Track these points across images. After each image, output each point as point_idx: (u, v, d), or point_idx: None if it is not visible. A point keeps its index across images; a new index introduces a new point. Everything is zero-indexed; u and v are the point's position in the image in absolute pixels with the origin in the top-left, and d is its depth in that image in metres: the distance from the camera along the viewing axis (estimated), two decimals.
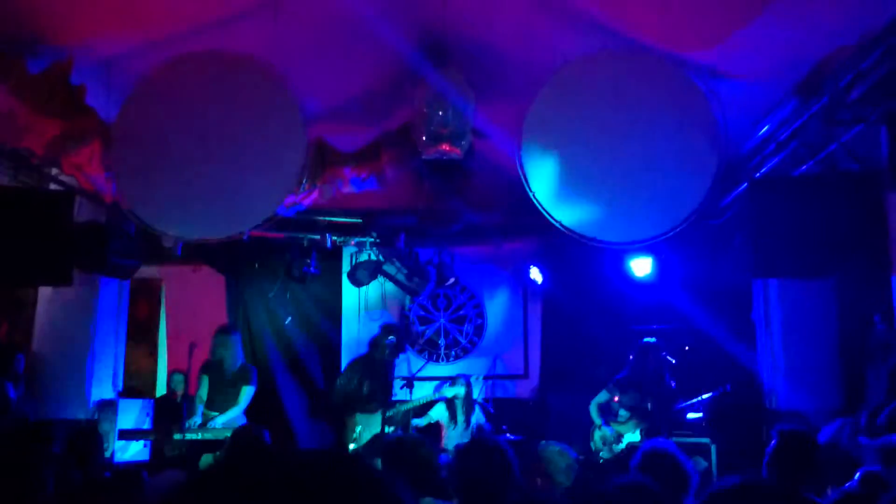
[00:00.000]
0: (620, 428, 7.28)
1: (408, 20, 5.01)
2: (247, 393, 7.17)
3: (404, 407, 7.85)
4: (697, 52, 4.74)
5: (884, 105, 4.26)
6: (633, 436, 7.21)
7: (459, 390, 7.88)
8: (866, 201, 4.79)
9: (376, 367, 7.80)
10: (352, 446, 7.45)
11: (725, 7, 4.34)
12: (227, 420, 6.89)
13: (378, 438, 7.27)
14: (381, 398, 7.64)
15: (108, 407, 7.17)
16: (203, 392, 7.14)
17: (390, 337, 7.90)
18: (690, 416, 7.49)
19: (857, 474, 3.86)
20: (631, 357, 7.51)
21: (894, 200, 4.54)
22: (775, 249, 5.02)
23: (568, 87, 4.75)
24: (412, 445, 4.01)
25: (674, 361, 7.57)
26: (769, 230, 5.02)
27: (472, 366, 9.27)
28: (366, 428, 7.51)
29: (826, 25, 4.32)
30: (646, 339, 7.55)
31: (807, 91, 4.91)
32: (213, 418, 6.97)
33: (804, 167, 5.46)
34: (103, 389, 7.25)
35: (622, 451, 7.14)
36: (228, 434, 6.71)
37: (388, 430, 7.40)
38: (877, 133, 4.59)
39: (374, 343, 7.97)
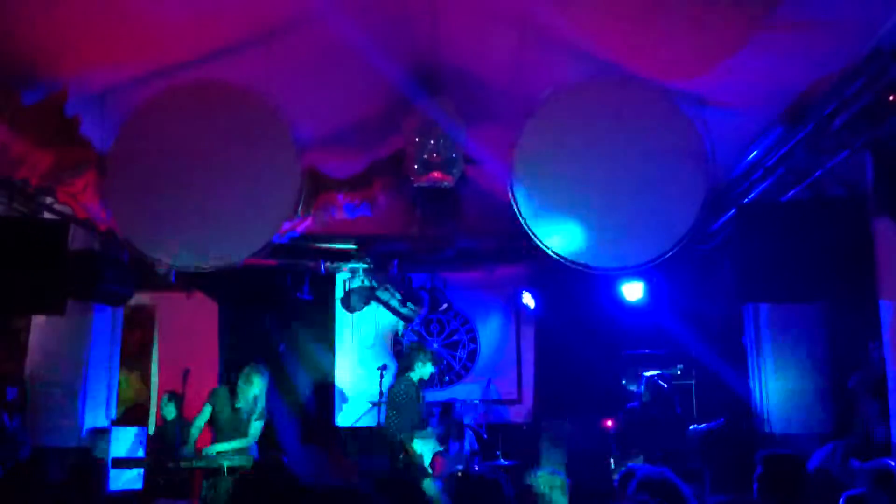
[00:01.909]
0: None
1: (399, 50, 5.09)
2: (256, 428, 6.92)
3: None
4: (685, 81, 4.81)
5: (867, 132, 4.32)
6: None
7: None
8: (853, 226, 4.84)
9: (418, 390, 7.64)
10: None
11: (712, 37, 4.42)
12: (225, 448, 6.78)
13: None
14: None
15: (101, 435, 7.13)
16: (201, 421, 6.81)
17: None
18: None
19: (841, 499, 3.89)
20: (639, 390, 7.54)
21: (880, 225, 4.59)
22: (763, 274, 5.06)
23: (558, 115, 4.81)
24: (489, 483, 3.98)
25: (665, 386, 7.59)
26: (757, 255, 5.07)
27: (465, 391, 9.27)
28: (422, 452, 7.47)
29: (810, 54, 4.39)
30: (650, 373, 7.57)
31: (792, 119, 4.98)
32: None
33: (791, 193, 5.53)
34: (96, 417, 7.23)
35: (620, 476, 7.15)
36: (225, 463, 6.67)
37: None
38: (862, 159, 4.66)
39: (406, 368, 7.74)
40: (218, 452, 6.65)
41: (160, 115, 4.79)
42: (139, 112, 4.79)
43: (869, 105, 4.20)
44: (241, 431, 6.82)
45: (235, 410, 6.86)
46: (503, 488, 3.42)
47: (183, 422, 7.84)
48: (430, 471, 7.34)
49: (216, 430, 6.82)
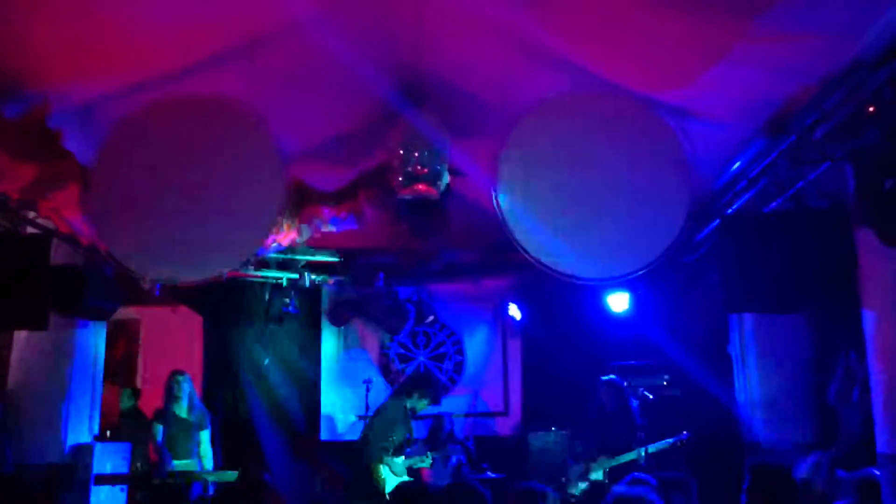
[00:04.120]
0: (589, 465, 7.29)
1: (384, 62, 5.09)
2: (205, 438, 7.35)
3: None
4: (668, 93, 4.84)
5: (848, 144, 4.36)
6: (596, 475, 7.21)
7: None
8: (835, 237, 4.88)
9: (406, 415, 7.76)
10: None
11: (695, 50, 4.45)
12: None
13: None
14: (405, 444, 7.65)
15: (84, 451, 7.06)
16: (159, 438, 7.21)
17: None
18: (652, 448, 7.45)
19: None
20: (596, 395, 7.54)
21: (862, 236, 4.62)
22: (747, 285, 5.09)
23: (542, 126, 4.82)
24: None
25: (651, 397, 7.60)
26: (741, 266, 5.09)
27: (452, 403, 9.25)
28: (390, 474, 7.47)
29: (791, 66, 4.43)
30: (607, 377, 7.59)
31: (774, 130, 5.02)
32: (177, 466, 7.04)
33: (774, 204, 5.57)
34: (79, 433, 7.15)
35: (586, 489, 7.16)
36: (209, 478, 6.73)
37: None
38: (843, 170, 4.70)
39: (407, 391, 7.90)
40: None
41: (144, 128, 4.77)
42: (122, 125, 4.76)
43: (849, 116, 4.24)
44: (192, 444, 7.20)
45: (179, 421, 7.11)
46: (486, 497, 3.42)
47: (141, 415, 7.95)
48: (388, 499, 7.34)
49: (168, 447, 7.10)
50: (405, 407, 7.71)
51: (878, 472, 4.48)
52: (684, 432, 7.25)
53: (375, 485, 7.33)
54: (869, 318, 4.64)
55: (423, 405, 7.79)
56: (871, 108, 4.04)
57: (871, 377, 4.63)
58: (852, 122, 4.26)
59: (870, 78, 3.98)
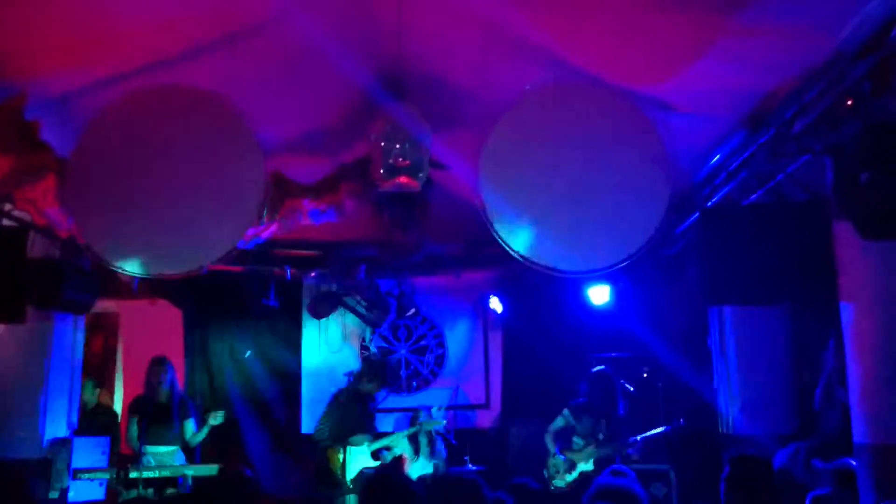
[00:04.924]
0: (574, 456, 7.30)
1: (365, 54, 5.07)
2: (190, 427, 7.34)
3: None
4: (649, 86, 4.86)
5: (827, 137, 4.39)
6: (586, 465, 7.24)
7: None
8: (814, 230, 4.91)
9: (364, 400, 7.83)
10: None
11: (675, 43, 4.47)
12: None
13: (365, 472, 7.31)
14: (367, 431, 7.67)
15: (63, 445, 7.00)
16: (133, 432, 7.17)
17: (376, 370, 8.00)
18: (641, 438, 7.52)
19: (808, 499, 3.94)
20: (584, 386, 7.56)
21: (840, 229, 4.66)
22: (727, 277, 5.12)
23: (524, 119, 4.83)
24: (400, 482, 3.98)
25: (632, 389, 7.64)
26: (720, 258, 5.13)
27: (433, 396, 9.26)
28: (352, 461, 7.48)
29: (772, 60, 4.46)
30: (597, 368, 7.62)
31: (754, 123, 5.06)
32: (157, 454, 7.02)
33: (754, 197, 5.61)
34: (57, 427, 7.09)
35: (574, 480, 7.17)
36: (189, 472, 6.70)
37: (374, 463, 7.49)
38: (822, 163, 4.74)
39: (358, 376, 8.04)
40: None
41: (122, 119, 4.73)
42: (101, 116, 4.72)
43: (828, 110, 4.27)
44: (175, 433, 7.17)
45: (158, 408, 7.10)
46: (482, 489, 3.41)
47: (106, 410, 7.91)
48: (349, 486, 7.37)
49: (147, 434, 7.02)
50: (357, 391, 7.82)
51: (854, 462, 4.54)
52: (674, 421, 7.32)
53: (335, 472, 7.39)
54: (847, 311, 4.69)
55: (371, 388, 7.90)
56: (849, 102, 4.07)
57: (849, 369, 4.68)
58: (831, 115, 4.29)
59: (848, 71, 4.01)
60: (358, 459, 7.49)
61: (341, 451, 7.47)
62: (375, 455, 7.58)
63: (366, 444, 7.56)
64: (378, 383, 7.97)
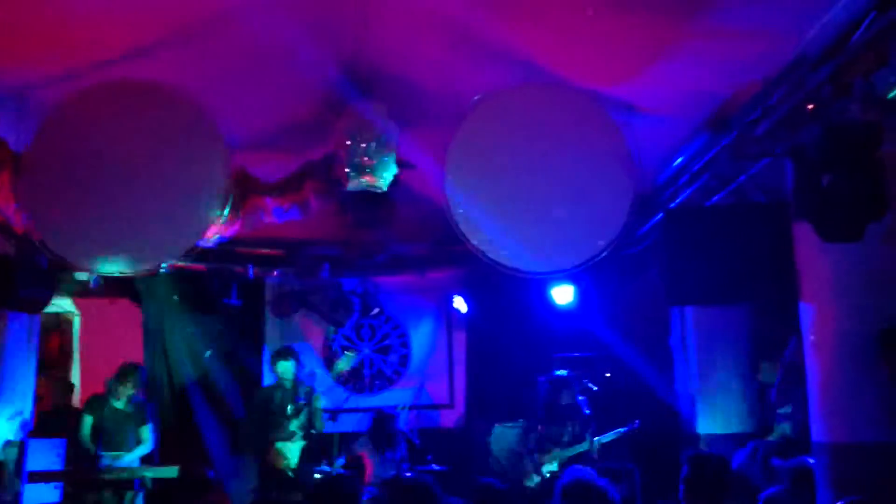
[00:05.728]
0: (541, 458, 7.32)
1: (330, 51, 5.02)
2: (146, 433, 7.22)
3: None
4: (613, 87, 4.89)
5: (788, 140, 4.45)
6: (551, 466, 7.26)
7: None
8: (775, 231, 4.99)
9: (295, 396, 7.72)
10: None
11: (639, 44, 4.50)
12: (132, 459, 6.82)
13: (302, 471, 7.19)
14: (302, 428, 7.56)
15: (16, 447, 6.85)
16: (86, 431, 7.04)
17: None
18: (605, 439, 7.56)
19: (760, 500, 3.99)
20: (545, 390, 7.59)
21: (800, 230, 4.73)
22: (689, 277, 5.18)
23: (489, 120, 4.82)
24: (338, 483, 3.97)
25: (595, 388, 7.68)
26: (683, 259, 5.18)
27: (397, 396, 9.23)
28: (287, 459, 7.40)
29: (735, 62, 4.52)
30: (558, 373, 7.65)
31: (717, 125, 5.11)
32: (115, 458, 6.89)
33: (716, 198, 5.67)
34: (11, 429, 6.93)
35: (543, 480, 7.20)
36: (149, 474, 6.59)
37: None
38: (783, 166, 4.80)
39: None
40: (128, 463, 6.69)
41: (81, 113, 4.62)
42: (58, 110, 4.61)
43: (789, 113, 4.33)
44: (132, 438, 7.05)
45: (116, 412, 6.95)
46: (435, 494, 3.39)
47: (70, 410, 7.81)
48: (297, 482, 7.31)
49: (103, 439, 6.92)
50: (271, 387, 7.86)
51: (811, 461, 4.61)
52: (636, 421, 7.36)
53: (276, 467, 7.34)
54: (806, 311, 4.76)
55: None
56: (810, 106, 4.13)
57: (807, 368, 4.75)
58: (792, 118, 4.35)
59: (810, 76, 4.07)
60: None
61: (279, 443, 7.40)
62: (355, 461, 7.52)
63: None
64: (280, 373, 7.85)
